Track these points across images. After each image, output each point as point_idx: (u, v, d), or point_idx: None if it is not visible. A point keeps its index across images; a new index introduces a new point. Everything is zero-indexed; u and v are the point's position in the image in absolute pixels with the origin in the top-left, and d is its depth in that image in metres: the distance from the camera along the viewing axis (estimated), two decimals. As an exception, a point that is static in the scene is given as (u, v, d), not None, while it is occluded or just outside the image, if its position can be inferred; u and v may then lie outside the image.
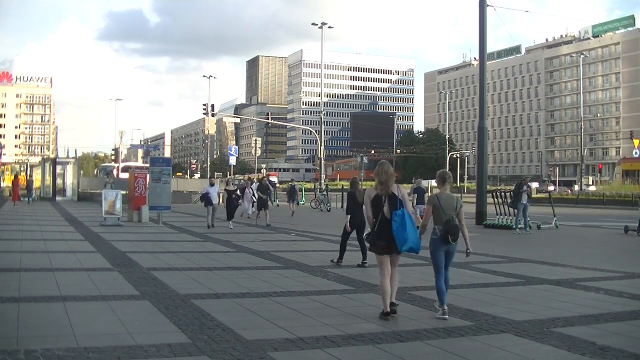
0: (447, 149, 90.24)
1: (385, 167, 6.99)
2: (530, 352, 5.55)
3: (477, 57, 30.88)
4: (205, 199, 19.78)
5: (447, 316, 6.76)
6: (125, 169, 52.45)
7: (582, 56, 78.73)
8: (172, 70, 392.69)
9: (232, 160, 46.50)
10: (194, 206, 37.65)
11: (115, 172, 54.24)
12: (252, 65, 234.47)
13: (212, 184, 20.97)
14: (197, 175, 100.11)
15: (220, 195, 28.17)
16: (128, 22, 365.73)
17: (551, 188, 42.96)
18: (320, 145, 49.28)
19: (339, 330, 6.10)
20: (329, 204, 32.28)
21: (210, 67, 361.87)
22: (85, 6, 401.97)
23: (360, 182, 12.23)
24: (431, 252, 6.95)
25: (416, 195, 19.77)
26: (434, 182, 16.35)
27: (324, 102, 69.27)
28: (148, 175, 22.34)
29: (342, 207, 19.82)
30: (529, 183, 20.67)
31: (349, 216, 10.94)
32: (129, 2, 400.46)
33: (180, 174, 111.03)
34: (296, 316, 6.81)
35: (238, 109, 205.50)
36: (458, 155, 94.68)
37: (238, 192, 21.99)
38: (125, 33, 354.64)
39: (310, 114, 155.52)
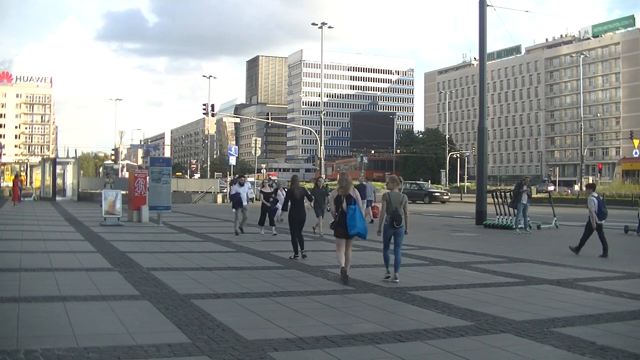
0: (447, 149, 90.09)
1: (346, 176, 9.48)
2: (530, 352, 5.55)
3: (477, 57, 30.87)
4: (237, 199, 17.59)
5: (390, 275, 9.17)
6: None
7: (582, 56, 78.57)
8: (171, 70, 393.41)
9: (232, 160, 46.44)
10: (194, 206, 37.71)
11: (122, 170, 54.57)
12: (252, 65, 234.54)
13: (241, 184, 18.19)
14: (197, 175, 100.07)
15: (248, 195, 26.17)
16: (127, 22, 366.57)
17: (551, 188, 42.88)
18: (320, 145, 49.22)
19: (339, 330, 6.09)
20: (328, 204, 32.19)
21: (210, 67, 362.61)
22: (84, 6, 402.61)
23: (300, 181, 13.71)
24: (383, 233, 9.31)
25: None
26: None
27: (324, 102, 69.26)
28: (148, 176, 22.35)
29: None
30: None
31: (287, 212, 12.35)
32: (128, 2, 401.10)
33: (180, 173, 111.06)
34: (296, 316, 6.81)
35: (238, 109, 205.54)
36: (458, 155, 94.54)
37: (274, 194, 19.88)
38: (124, 33, 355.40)
39: (310, 114, 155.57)
